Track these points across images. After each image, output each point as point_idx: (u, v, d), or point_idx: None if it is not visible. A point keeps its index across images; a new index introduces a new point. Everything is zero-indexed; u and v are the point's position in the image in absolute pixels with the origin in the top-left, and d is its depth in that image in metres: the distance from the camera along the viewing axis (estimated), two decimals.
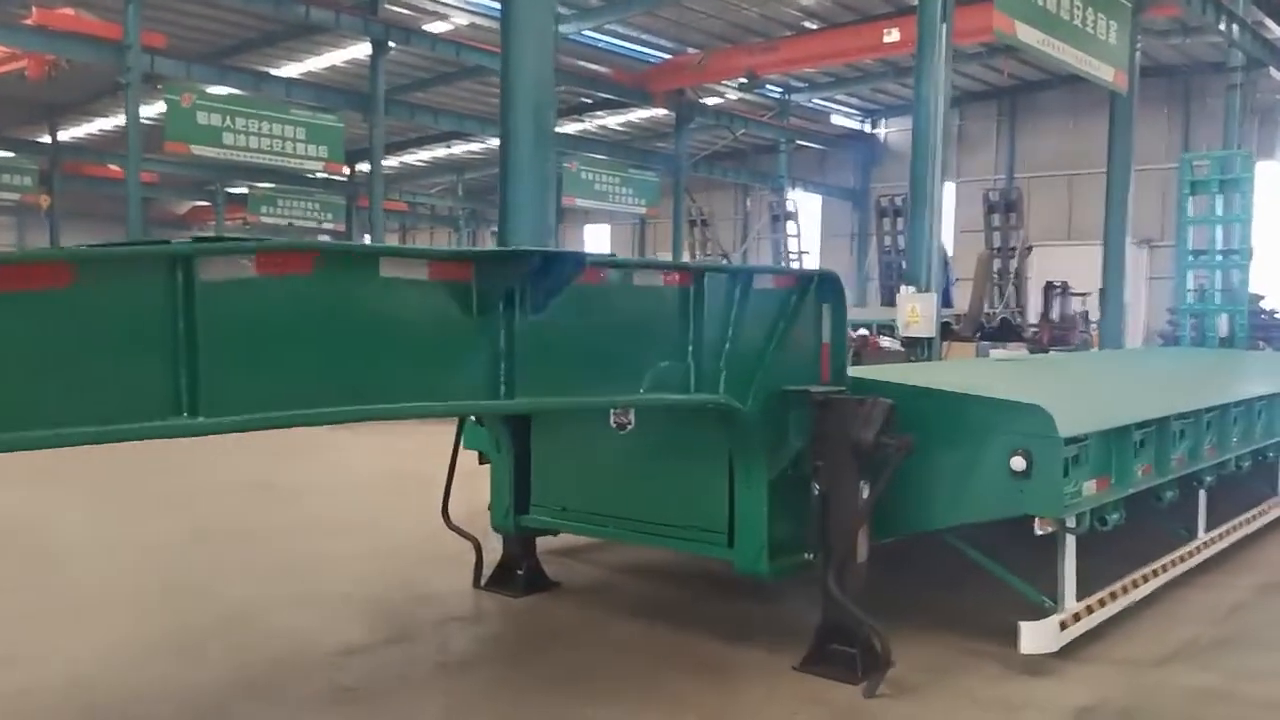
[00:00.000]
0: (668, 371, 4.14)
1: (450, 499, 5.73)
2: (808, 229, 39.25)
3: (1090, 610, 5.05)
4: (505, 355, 3.41)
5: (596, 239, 42.77)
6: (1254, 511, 7.30)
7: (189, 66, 23.35)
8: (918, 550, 5.45)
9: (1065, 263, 31.00)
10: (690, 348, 4.22)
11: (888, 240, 25.47)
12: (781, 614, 5.33)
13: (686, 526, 4.86)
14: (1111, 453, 5.14)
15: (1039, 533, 4.59)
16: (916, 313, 15.78)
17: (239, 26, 26.27)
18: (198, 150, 23.47)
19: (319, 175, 33.74)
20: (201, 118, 23.26)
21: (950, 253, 31.46)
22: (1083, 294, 24.41)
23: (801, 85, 34.93)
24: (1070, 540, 4.91)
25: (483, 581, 5.77)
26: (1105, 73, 18.61)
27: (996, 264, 22.92)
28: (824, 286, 4.90)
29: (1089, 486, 4.90)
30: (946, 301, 24.82)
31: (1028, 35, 16.46)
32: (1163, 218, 34.30)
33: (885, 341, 14.19)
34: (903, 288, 16.26)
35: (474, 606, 5.68)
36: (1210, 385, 7.97)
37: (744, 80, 30.49)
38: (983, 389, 5.03)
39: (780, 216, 25.68)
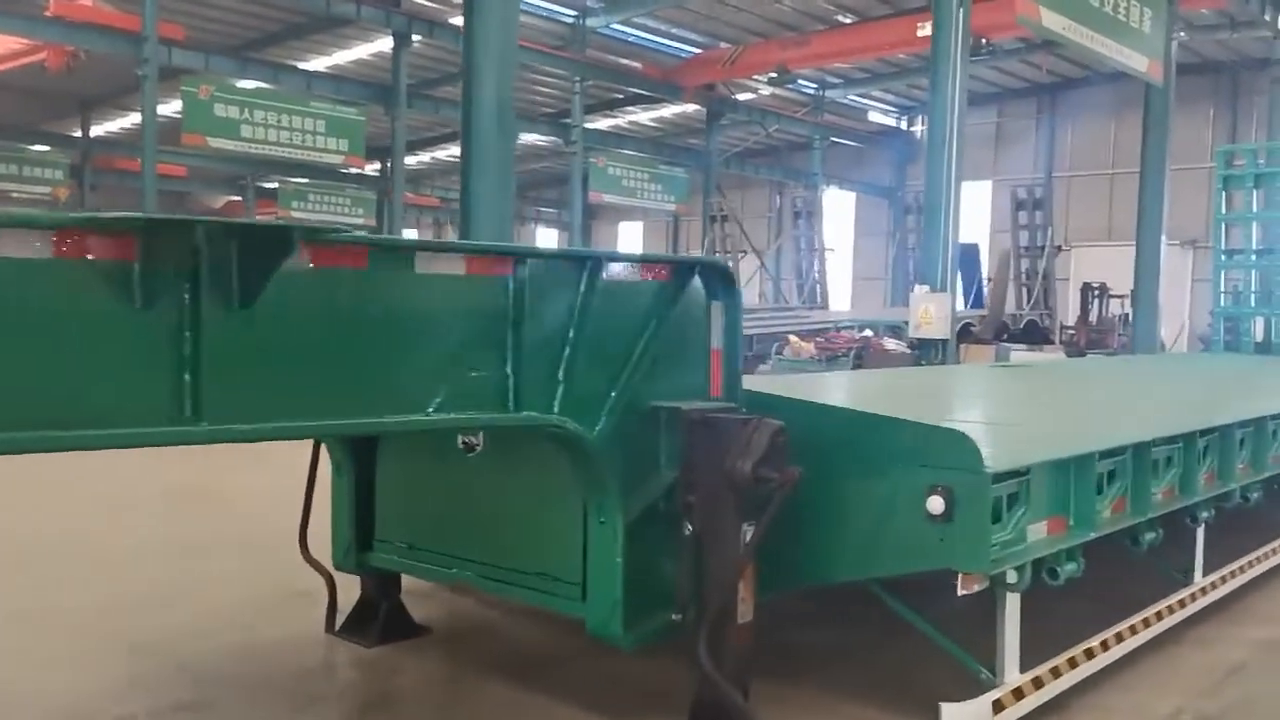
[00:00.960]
0: (476, 385, 3.20)
1: (311, 522, 4.80)
2: (843, 227, 38.05)
3: (1039, 683, 4.01)
4: (190, 362, 2.48)
5: (629, 237, 41.86)
6: (1265, 550, 6.17)
7: (208, 58, 22.76)
8: (835, 592, 4.46)
9: (1105, 264, 29.50)
10: (510, 354, 3.27)
11: (912, 238, 24.22)
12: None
13: (537, 574, 3.88)
14: (1070, 488, 4.11)
15: (961, 592, 3.57)
16: (930, 314, 14.73)
17: (263, 19, 25.70)
18: (215, 143, 22.92)
19: (351, 170, 33.25)
20: (219, 110, 22.70)
21: (986, 252, 30.23)
22: (1122, 296, 23.06)
23: (836, 81, 33.71)
24: (1012, 599, 3.89)
25: (337, 625, 4.80)
26: (1139, 63, 17.32)
27: (1025, 264, 21.62)
28: (711, 280, 3.92)
29: (1036, 531, 3.88)
30: (978, 301, 23.61)
31: (1053, 22, 15.26)
32: (1207, 218, 32.48)
33: (891, 344, 13.12)
34: (916, 287, 15.17)
35: (306, 661, 4.65)
36: (1224, 399, 6.86)
37: (775, 75, 29.44)
38: (911, 407, 4.02)
39: (802, 213, 24.57)
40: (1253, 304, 13.76)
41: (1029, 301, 20.81)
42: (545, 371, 3.35)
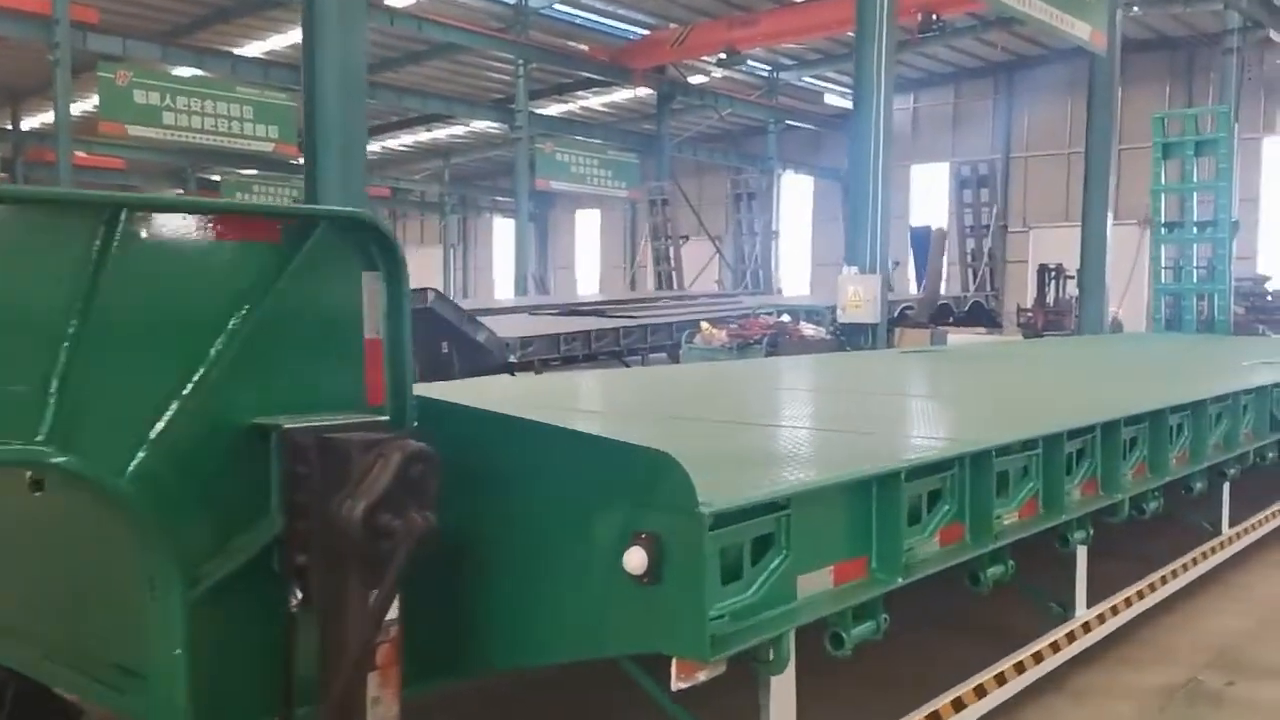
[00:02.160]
0: None
1: None
2: (801, 212, 36.91)
3: None
4: None
5: (587, 225, 40.63)
6: (1169, 569, 5.08)
7: (125, 42, 21.41)
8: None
9: (1063, 245, 28.41)
10: None
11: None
12: None
13: (100, 661, 2.73)
14: (871, 518, 2.98)
15: (676, 686, 2.44)
16: (858, 296, 13.63)
17: (190, 3, 24.35)
18: (135, 132, 21.61)
19: (294, 160, 31.94)
20: (139, 97, 21.38)
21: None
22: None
23: (790, 63, 32.53)
24: (781, 683, 2.77)
25: None
26: (1081, 30, 16.22)
27: (971, 244, 20.52)
28: (359, 240, 2.77)
29: (813, 583, 2.76)
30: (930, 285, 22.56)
31: None
32: (1165, 200, 31.63)
33: (809, 330, 12.02)
34: (844, 269, 14.07)
35: None
36: (1126, 389, 5.78)
37: (724, 56, 28.28)
38: (707, 409, 2.90)
39: (743, 195, 23.46)
40: (1194, 280, 12.72)
41: (975, 283, 19.74)
42: (24, 379, 2.19)
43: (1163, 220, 12.72)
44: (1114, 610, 4.45)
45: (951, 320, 18.11)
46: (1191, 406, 4.81)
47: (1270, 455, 5.84)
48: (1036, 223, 33.37)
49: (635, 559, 2.35)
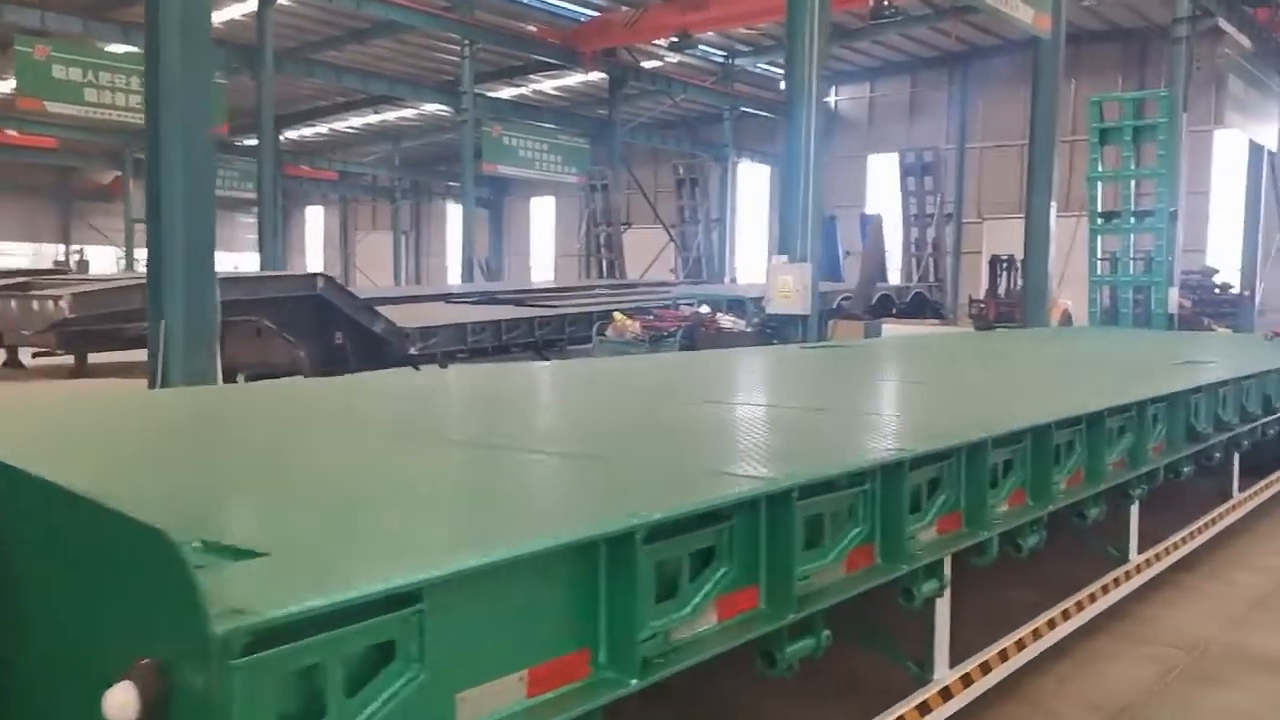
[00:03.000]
0: None
1: None
2: (758, 200, 36.07)
3: None
4: None
5: (542, 212, 39.61)
6: (1059, 609, 4.26)
7: (43, 15, 20.24)
8: None
9: (1016, 236, 27.78)
10: None
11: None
12: None
13: None
14: (598, 596, 2.14)
15: None
16: (788, 286, 12.81)
17: None
18: (55, 108, 20.48)
19: (240, 142, 30.80)
20: (58, 72, 20.22)
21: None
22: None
23: (745, 49, 31.66)
24: None
25: None
26: (1024, 14, 15.36)
27: (915, 234, 19.77)
28: None
29: (490, 697, 1.91)
30: (883, 276, 21.79)
31: None
32: (1117, 188, 31.10)
33: (727, 321, 11.18)
34: (773, 257, 13.25)
35: None
36: (1028, 394, 4.98)
37: (677, 40, 27.37)
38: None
39: (684, 181, 22.60)
40: (1131, 272, 11.99)
41: (917, 273, 18.99)
42: None
43: (1099, 209, 11.97)
44: (984, 668, 3.63)
45: (894, 312, 17.35)
46: (1086, 419, 3.99)
47: (1186, 470, 5.07)
48: (991, 214, 32.81)
49: (116, 700, 1.49)
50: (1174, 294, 21.45)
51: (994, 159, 32.96)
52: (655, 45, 29.03)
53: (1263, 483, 6.76)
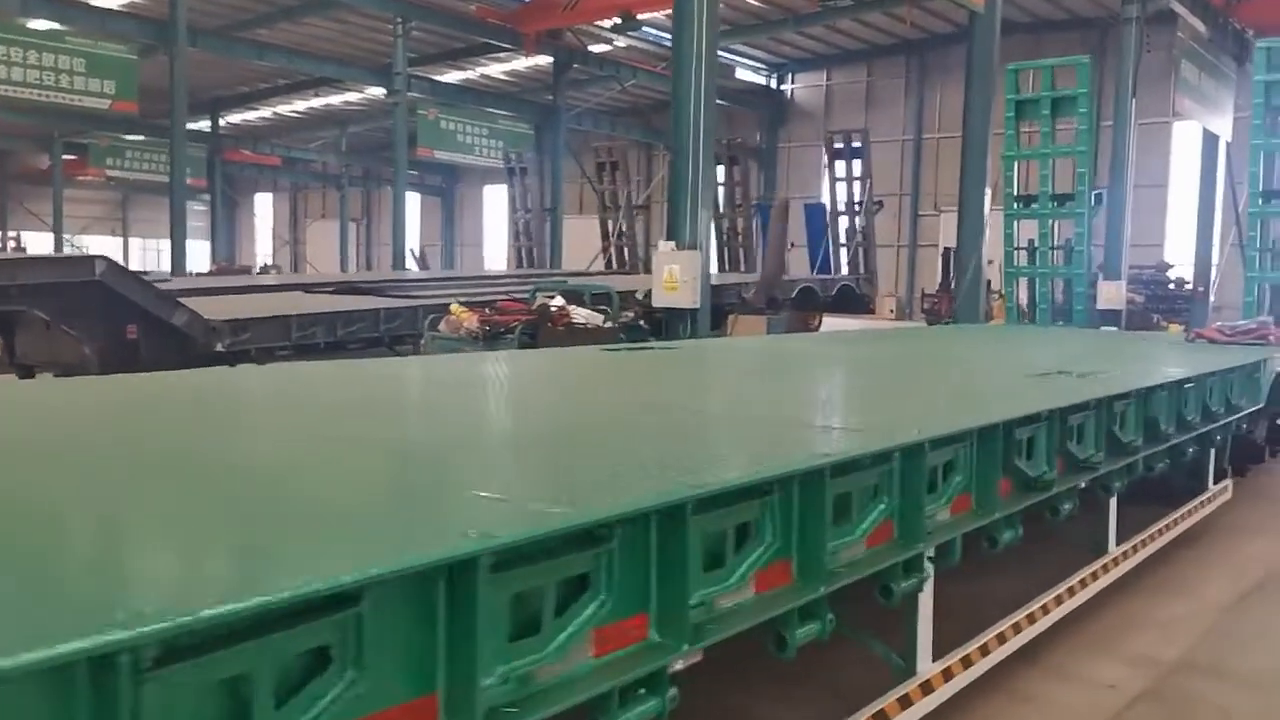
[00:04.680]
0: None
1: None
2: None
3: None
4: None
5: (495, 200, 37.84)
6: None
7: None
8: None
9: None
10: None
11: (739, 193, 20.72)
12: None
13: None
14: None
15: None
16: (675, 276, 11.25)
17: None
18: None
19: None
20: None
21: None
22: (989, 261, 19.77)
23: None
24: None
25: None
26: None
27: (844, 223, 18.20)
28: None
29: None
30: (825, 266, 20.25)
31: None
32: (1072, 179, 29.61)
33: (581, 315, 9.62)
34: (660, 244, 11.68)
35: None
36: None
37: (620, 21, 25.73)
38: None
39: (606, 165, 21.05)
40: (1051, 263, 10.44)
41: (847, 264, 17.44)
42: None
43: (1015, 192, 10.43)
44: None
45: (816, 306, 15.79)
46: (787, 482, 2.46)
47: (1006, 536, 3.52)
48: (947, 206, 31.19)
49: None
50: (1120, 288, 20.10)
51: (950, 150, 31.15)
52: (601, 28, 27.40)
53: (1154, 527, 5.23)
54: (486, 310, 9.53)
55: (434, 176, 36.64)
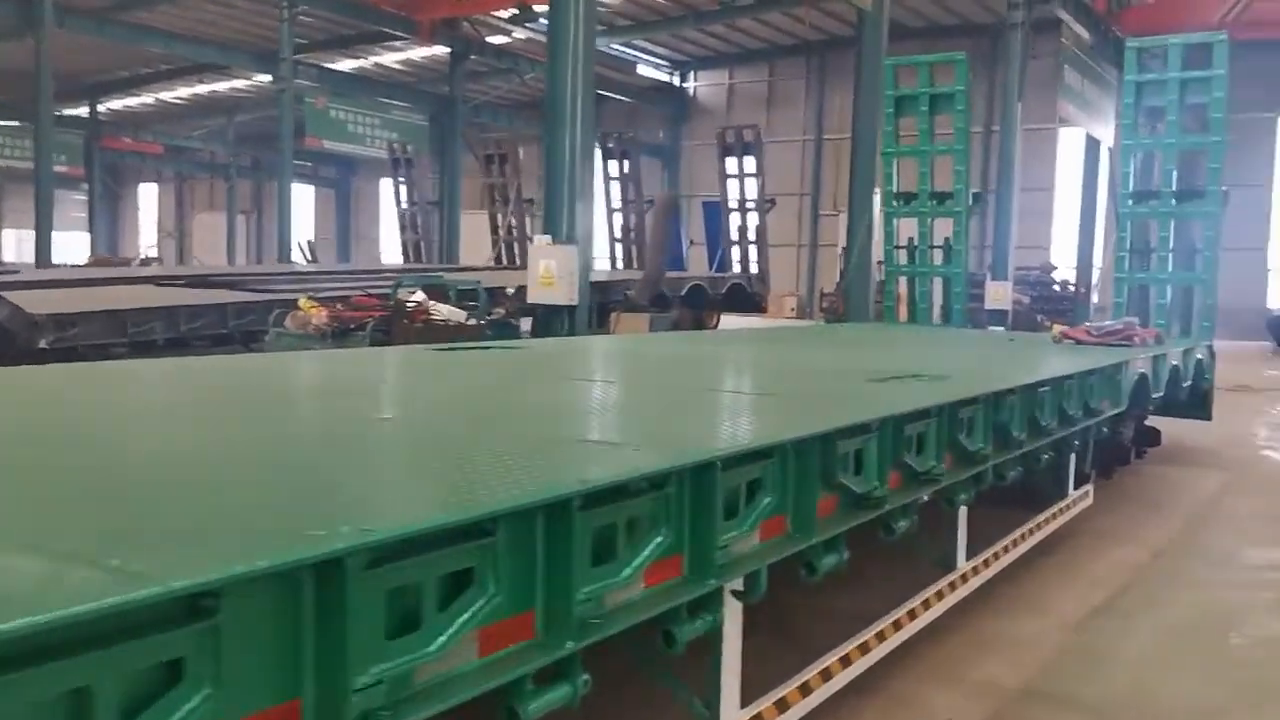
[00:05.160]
0: None
1: None
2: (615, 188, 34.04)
3: None
4: None
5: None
6: None
7: None
8: None
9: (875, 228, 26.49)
10: None
11: (631, 188, 20.31)
12: None
13: None
14: None
15: None
16: (551, 273, 10.77)
17: None
18: None
19: (60, 112, 27.33)
20: None
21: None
22: (880, 262, 19.69)
23: (600, 29, 29.47)
24: None
25: None
26: None
27: (736, 221, 17.93)
28: None
29: None
30: (722, 265, 19.96)
31: None
32: (966, 185, 30.00)
33: (442, 311, 9.07)
34: (536, 237, 11.17)
35: None
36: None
37: (517, 12, 25.12)
38: None
39: (494, 157, 20.45)
40: (930, 262, 10.26)
41: (738, 262, 17.17)
42: None
43: (895, 190, 10.21)
44: None
45: (707, 305, 15.48)
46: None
47: (828, 562, 3.13)
48: (847, 206, 31.40)
49: None
50: (1007, 289, 20.32)
51: (850, 151, 31.60)
52: (499, 19, 26.70)
53: (1007, 539, 4.93)
54: (338, 306, 8.89)
55: (328, 168, 35.43)
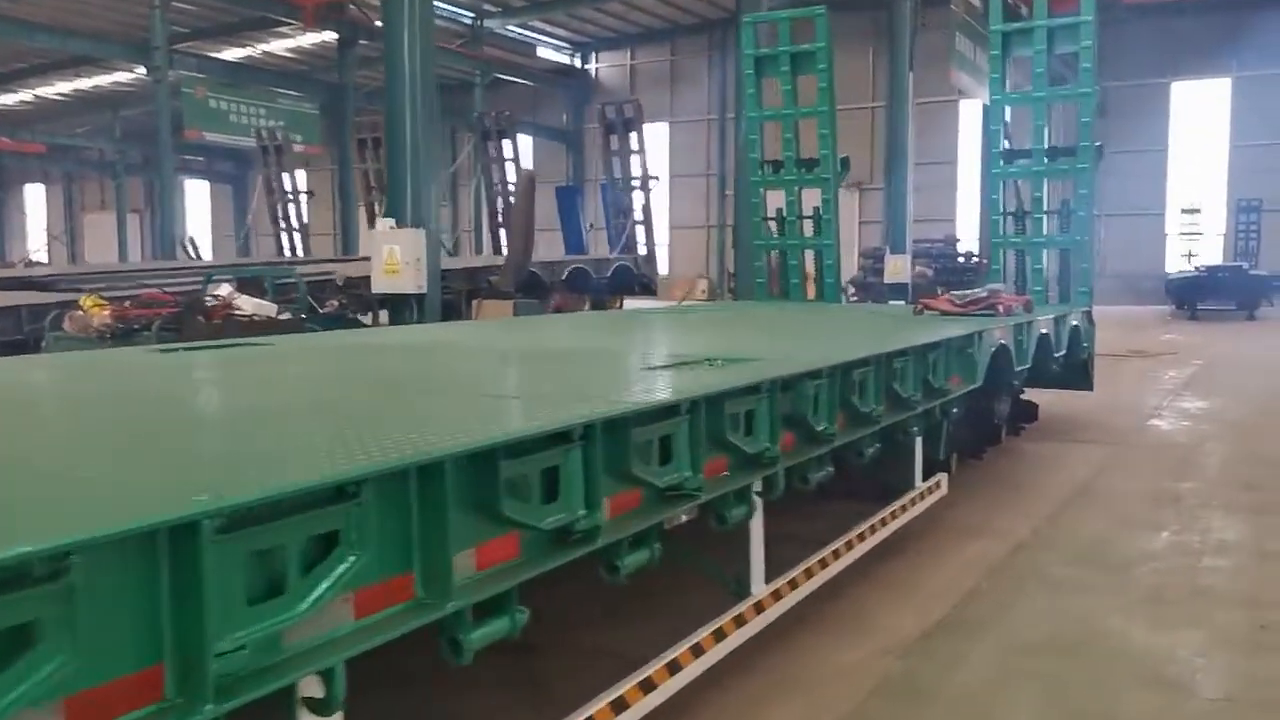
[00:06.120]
0: None
1: None
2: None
3: None
4: None
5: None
6: None
7: None
8: None
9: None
10: None
11: (508, 170, 19.29)
12: None
13: None
14: None
15: None
16: (396, 259, 9.78)
17: None
18: None
19: None
20: None
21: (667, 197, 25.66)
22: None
23: (494, 9, 28.35)
24: None
25: None
26: None
27: (627, 201, 17.01)
28: None
29: None
30: (579, 247, 19.04)
31: None
32: (871, 160, 29.58)
33: (249, 305, 8.04)
34: (378, 221, 10.16)
35: None
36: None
37: None
38: None
39: (368, 140, 19.26)
40: (801, 234, 9.44)
41: (620, 243, 16.28)
42: None
43: (761, 158, 9.38)
44: None
45: (589, 289, 14.57)
46: None
47: (474, 638, 2.23)
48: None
49: None
50: (905, 262, 19.76)
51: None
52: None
53: (822, 554, 4.07)
54: (126, 303, 7.78)
55: (223, 162, 33.69)
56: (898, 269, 18.63)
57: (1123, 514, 5.87)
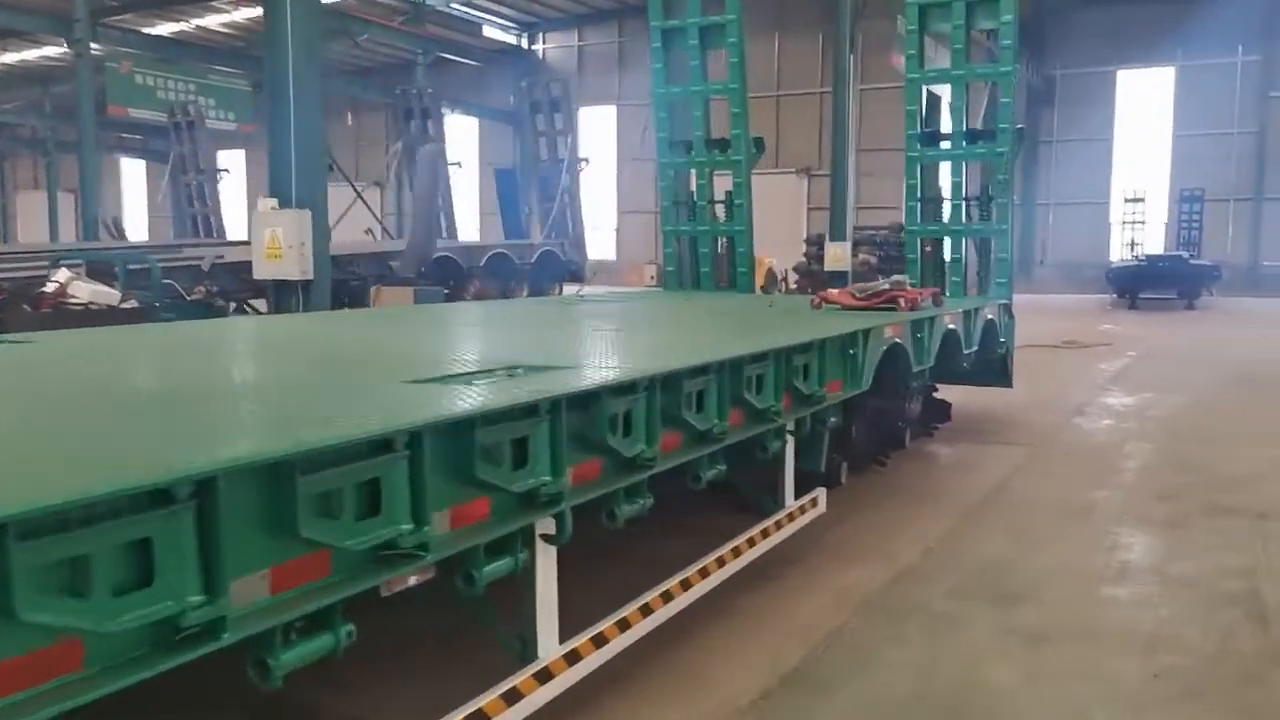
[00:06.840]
0: None
1: None
2: (466, 156, 31.94)
3: None
4: None
5: (232, 165, 33.94)
6: None
7: None
8: None
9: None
10: None
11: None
12: None
13: None
14: None
15: None
16: (279, 242, 9.00)
17: None
18: None
19: None
20: None
21: (615, 181, 24.82)
22: None
23: None
24: None
25: None
26: None
27: (556, 183, 16.23)
28: None
29: None
30: (517, 232, 18.20)
31: None
32: (821, 145, 28.99)
33: (85, 293, 7.25)
34: (260, 201, 9.35)
35: None
36: None
37: None
38: None
39: (182, 125, 18.31)
40: (711, 219, 8.77)
41: (546, 228, 15.52)
42: None
43: (670, 138, 8.69)
44: None
45: (512, 275, 13.82)
46: None
47: None
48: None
49: None
50: (845, 249, 19.18)
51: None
52: None
53: (641, 600, 3.41)
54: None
55: (159, 141, 32.32)
56: (838, 256, 18.06)
57: (1026, 530, 5.28)
